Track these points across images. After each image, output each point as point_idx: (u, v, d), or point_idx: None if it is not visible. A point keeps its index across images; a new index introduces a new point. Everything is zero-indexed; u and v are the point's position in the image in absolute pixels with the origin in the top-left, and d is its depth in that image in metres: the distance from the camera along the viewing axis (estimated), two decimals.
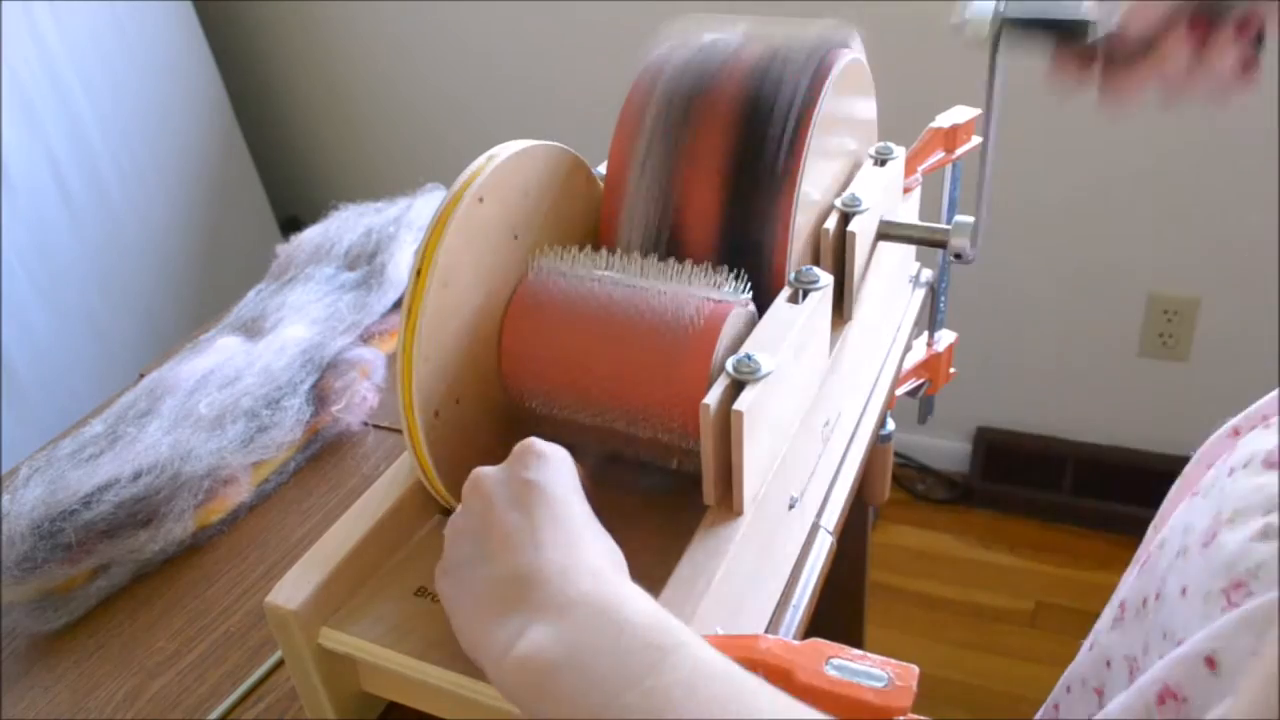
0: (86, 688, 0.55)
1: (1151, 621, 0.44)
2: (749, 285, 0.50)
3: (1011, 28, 0.52)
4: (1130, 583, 0.49)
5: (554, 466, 0.43)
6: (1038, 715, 0.56)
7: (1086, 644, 0.51)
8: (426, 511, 0.52)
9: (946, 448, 1.87)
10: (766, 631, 0.51)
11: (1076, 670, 0.52)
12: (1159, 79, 0.52)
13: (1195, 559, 0.42)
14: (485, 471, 0.43)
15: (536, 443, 0.43)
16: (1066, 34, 0.50)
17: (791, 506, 0.53)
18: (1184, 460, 0.53)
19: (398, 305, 0.80)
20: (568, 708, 0.35)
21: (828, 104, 0.53)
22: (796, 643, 0.38)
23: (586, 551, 0.40)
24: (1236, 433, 0.50)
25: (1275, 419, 0.45)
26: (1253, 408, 0.49)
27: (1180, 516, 0.47)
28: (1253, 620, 0.36)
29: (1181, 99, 0.53)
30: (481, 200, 0.48)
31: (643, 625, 0.36)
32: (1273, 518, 0.38)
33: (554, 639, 0.36)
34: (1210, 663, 0.36)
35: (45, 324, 1.56)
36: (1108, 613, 0.50)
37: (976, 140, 0.71)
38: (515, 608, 0.38)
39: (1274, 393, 0.48)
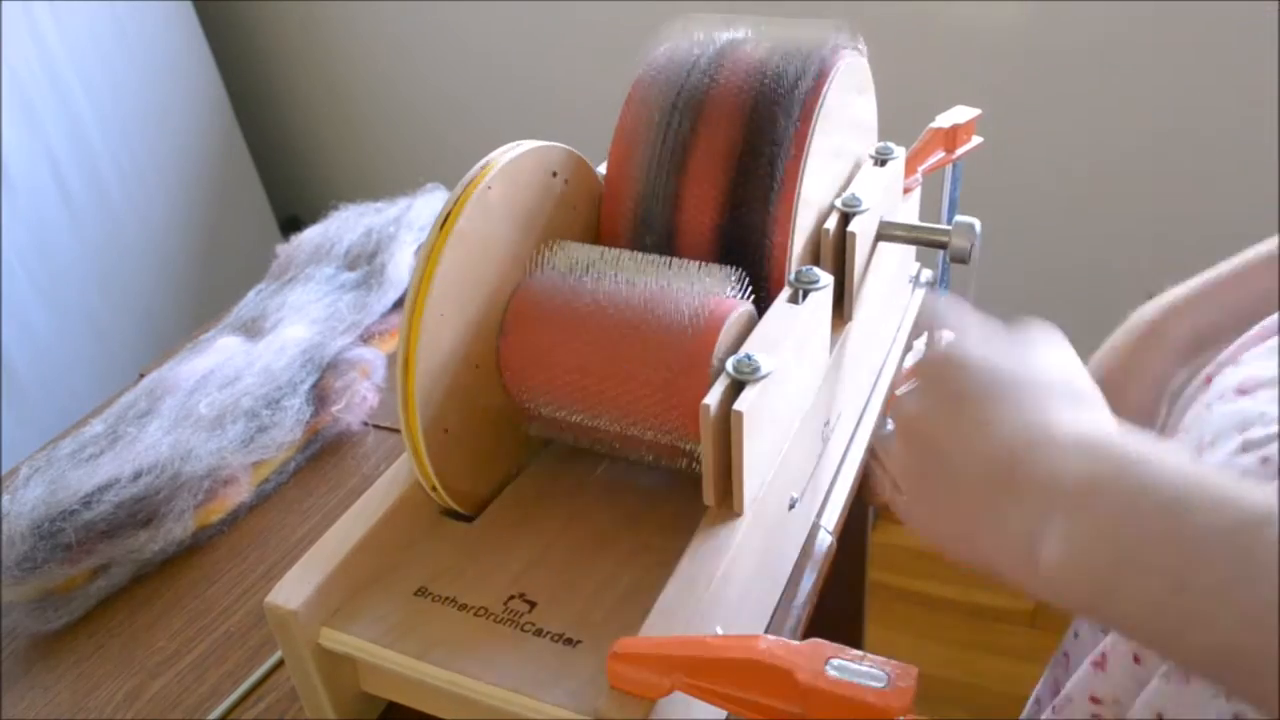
0: (86, 688, 0.55)
1: None
2: (749, 285, 0.50)
3: None
4: None
5: (974, 363, 0.41)
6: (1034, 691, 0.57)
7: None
8: (426, 511, 0.52)
9: None
10: (766, 631, 0.51)
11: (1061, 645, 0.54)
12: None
13: None
14: (909, 404, 0.41)
15: (935, 353, 0.42)
16: None
17: (791, 506, 0.53)
18: None
19: (398, 305, 0.80)
20: (1136, 611, 0.33)
21: (828, 104, 0.53)
22: (796, 643, 0.38)
23: (1054, 417, 0.37)
24: (1209, 380, 0.52)
25: (1242, 359, 0.49)
26: (1222, 355, 0.51)
27: None
28: None
29: None
30: (484, 201, 0.48)
31: (1197, 493, 0.32)
32: (1249, 433, 0.42)
33: (1079, 537, 0.34)
34: None
35: (45, 324, 1.56)
36: None
37: (977, 140, 0.71)
38: (1010, 513, 0.36)
39: (1240, 339, 0.51)
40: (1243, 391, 0.46)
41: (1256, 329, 0.51)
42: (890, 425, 0.44)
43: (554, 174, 0.53)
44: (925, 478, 0.41)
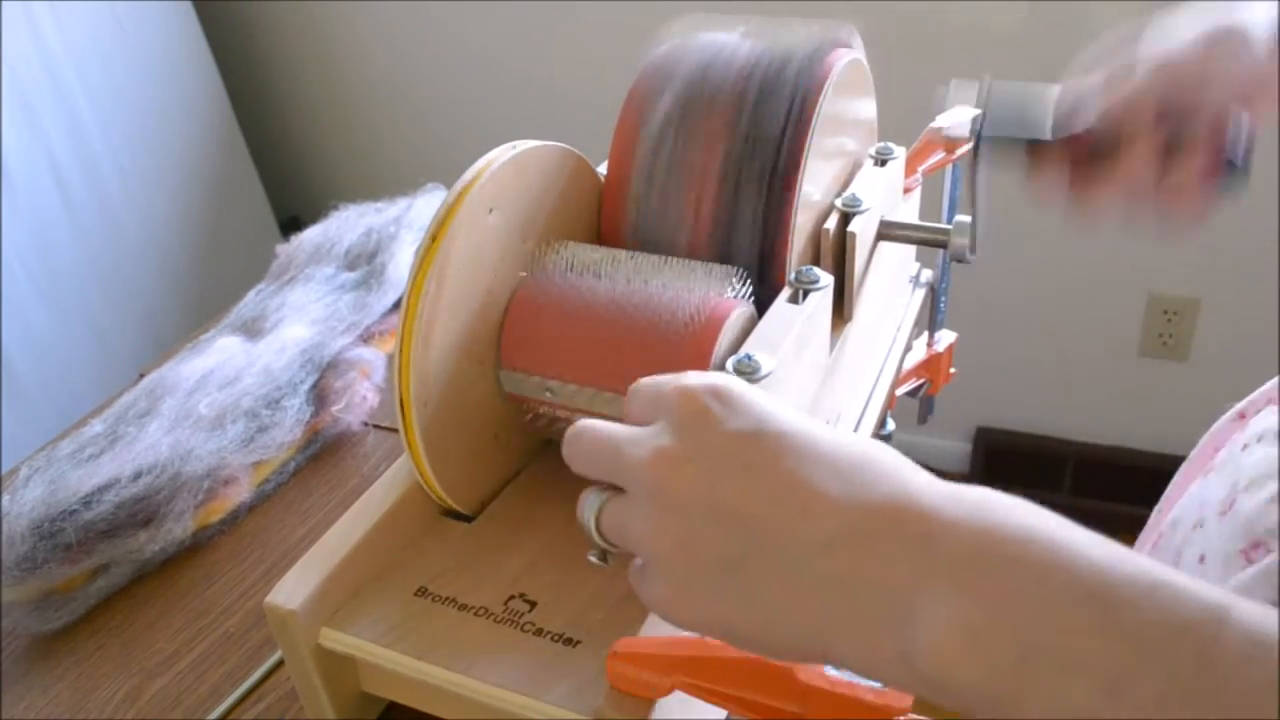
0: (86, 688, 0.55)
1: None
2: (749, 285, 0.50)
3: (987, 146, 0.54)
4: None
5: (749, 398, 0.32)
6: None
7: None
8: (426, 511, 0.52)
9: (947, 448, 1.87)
10: None
11: None
12: (1127, 187, 0.52)
13: (1213, 527, 0.42)
14: (655, 450, 0.32)
15: (691, 383, 0.33)
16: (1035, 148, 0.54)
17: None
18: (1184, 460, 0.54)
19: (398, 305, 0.80)
20: (1054, 708, 0.25)
21: (828, 104, 0.53)
22: None
23: (896, 474, 0.30)
24: (1243, 416, 0.51)
25: None
26: (1257, 393, 0.50)
27: (1194, 493, 0.48)
28: (1272, 573, 0.37)
29: (1148, 214, 0.53)
30: (483, 201, 0.48)
31: (1119, 573, 0.26)
32: None
33: (974, 616, 0.26)
34: None
35: (45, 324, 1.56)
36: None
37: None
38: (869, 584, 0.28)
39: (1276, 378, 0.49)
40: None
41: None
42: (605, 490, 0.35)
43: (554, 173, 0.53)
44: (716, 557, 0.31)
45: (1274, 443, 0.43)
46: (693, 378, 0.33)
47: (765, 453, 0.30)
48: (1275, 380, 0.49)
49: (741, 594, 0.31)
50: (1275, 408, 0.47)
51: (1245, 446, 0.45)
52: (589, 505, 0.35)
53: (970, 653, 0.26)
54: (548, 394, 0.51)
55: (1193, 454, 0.54)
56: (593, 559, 0.37)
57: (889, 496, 0.29)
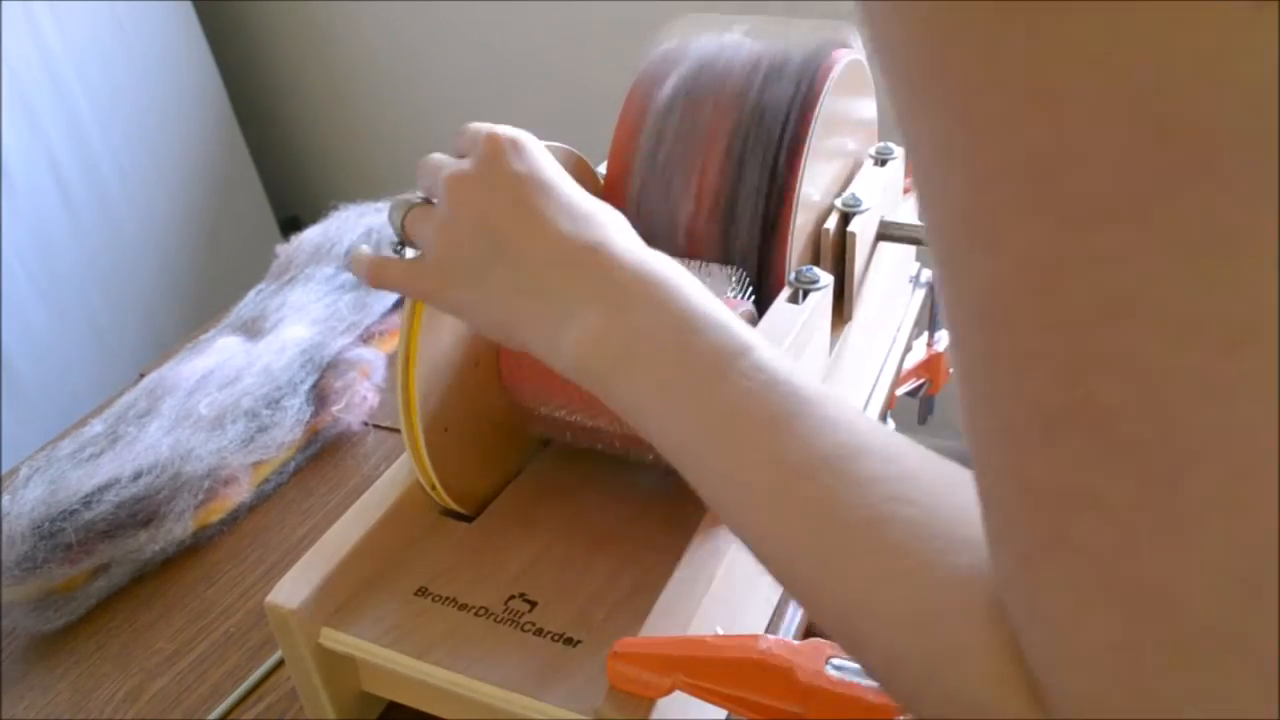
0: (86, 688, 0.55)
1: None
2: (749, 285, 0.50)
3: None
4: None
5: (534, 153, 0.42)
6: None
7: None
8: (426, 511, 0.52)
9: (947, 448, 1.87)
10: (766, 631, 0.51)
11: None
12: None
13: None
14: (459, 173, 0.41)
15: (500, 131, 0.42)
16: None
17: None
18: None
19: (398, 305, 0.80)
20: (628, 397, 0.36)
21: (828, 104, 0.53)
22: (797, 642, 0.38)
23: (608, 230, 0.39)
24: None
25: None
26: None
27: None
28: None
29: None
30: None
31: (703, 319, 0.36)
32: None
33: (610, 326, 0.37)
34: None
35: (45, 324, 1.56)
36: None
37: None
38: (562, 292, 0.38)
39: None
40: None
41: None
42: (419, 197, 0.45)
43: None
44: (474, 255, 0.40)
45: None
46: (502, 128, 0.42)
47: (528, 190, 0.40)
48: None
49: (482, 287, 0.40)
50: None
51: None
52: (398, 205, 0.44)
53: (594, 347, 0.37)
54: (548, 394, 0.51)
55: None
56: (394, 250, 0.45)
57: (597, 241, 0.39)
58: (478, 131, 0.43)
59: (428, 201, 0.44)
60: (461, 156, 0.43)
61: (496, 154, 0.41)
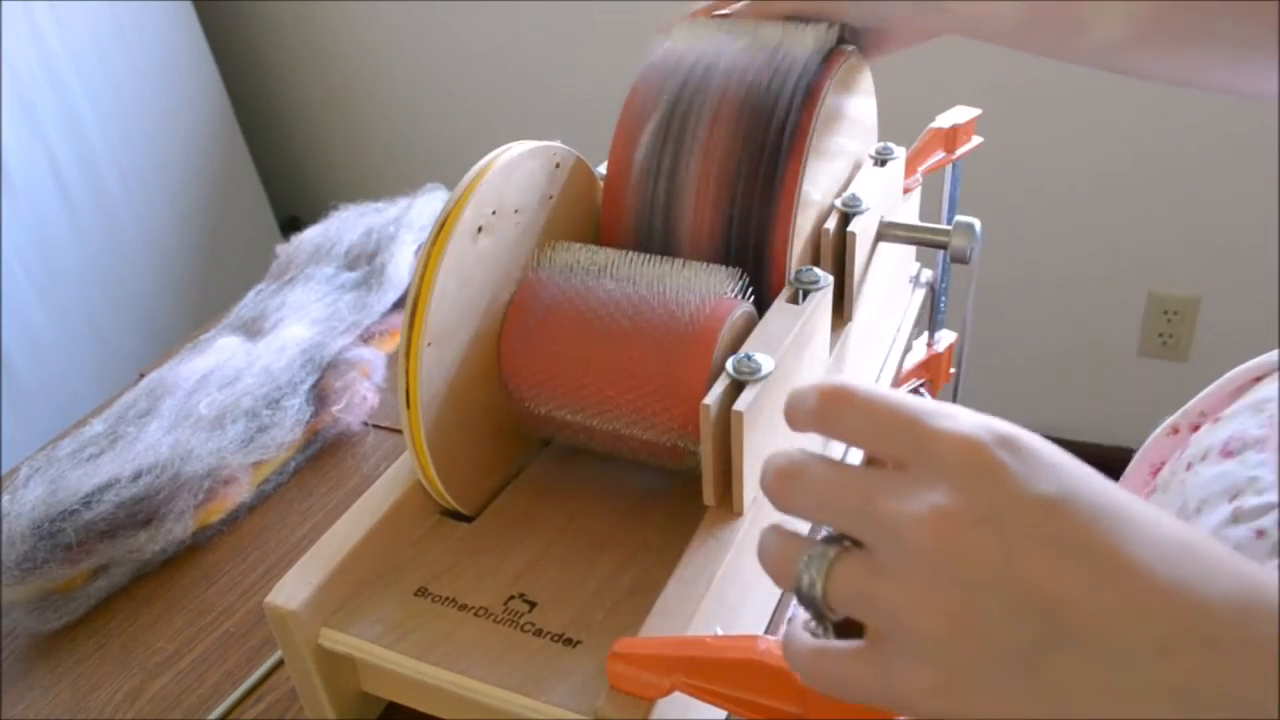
0: (86, 688, 0.55)
1: None
2: (749, 285, 0.50)
3: None
4: None
5: (1049, 455, 0.27)
6: None
7: None
8: (426, 511, 0.52)
9: None
10: (766, 632, 0.51)
11: None
12: None
13: None
14: (939, 510, 0.26)
15: (969, 430, 0.27)
16: None
17: None
18: None
19: (398, 305, 0.80)
20: None
21: (828, 104, 0.53)
22: None
23: (1237, 566, 0.25)
24: (1176, 430, 0.50)
25: (1221, 415, 0.46)
26: (1189, 405, 0.49)
27: None
28: None
29: None
30: (484, 203, 0.48)
31: None
32: (1240, 501, 0.38)
33: None
34: None
35: (45, 324, 1.56)
36: None
37: (977, 140, 0.71)
38: (1209, 689, 0.24)
39: (1209, 388, 0.49)
40: (1228, 453, 0.41)
41: (1226, 378, 0.47)
42: (831, 537, 0.29)
43: (553, 174, 0.53)
44: (1005, 644, 0.26)
45: (1218, 461, 0.42)
46: (972, 422, 0.27)
47: (1080, 526, 0.25)
48: (1206, 392, 0.48)
49: (1036, 693, 0.25)
50: (1211, 425, 0.46)
51: (1189, 466, 0.44)
52: (813, 560, 0.29)
53: None
54: (549, 394, 0.51)
55: (1128, 471, 0.53)
56: (811, 628, 0.30)
57: (1235, 591, 0.24)
58: (919, 426, 0.28)
59: (844, 545, 0.29)
60: (881, 460, 0.29)
61: (990, 470, 0.26)
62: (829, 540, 0.29)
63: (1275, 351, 0.47)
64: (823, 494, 0.29)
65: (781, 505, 0.30)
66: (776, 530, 0.31)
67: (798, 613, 0.31)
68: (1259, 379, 0.47)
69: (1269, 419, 0.42)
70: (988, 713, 0.26)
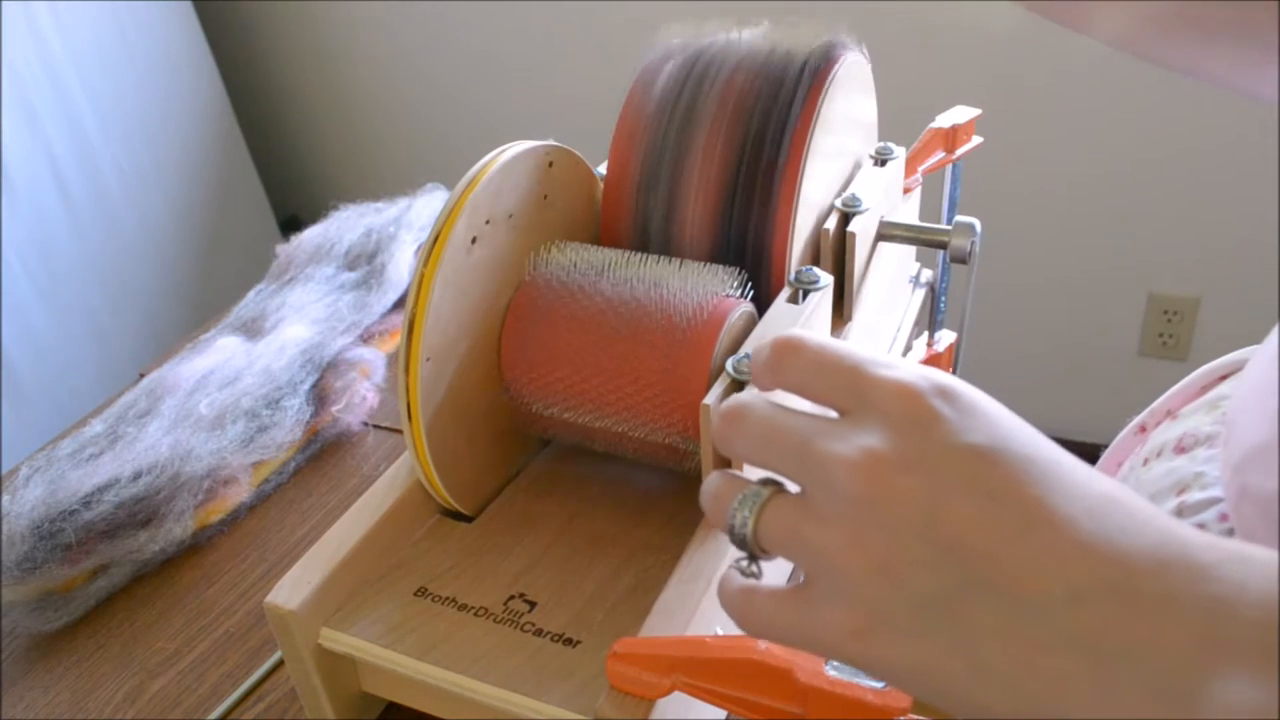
0: (86, 688, 0.55)
1: None
2: (749, 285, 0.50)
3: None
4: None
5: (983, 405, 0.28)
6: None
7: None
8: (426, 511, 0.52)
9: None
10: None
11: None
12: None
13: None
14: (866, 452, 0.27)
15: (907, 378, 0.28)
16: None
17: None
18: None
19: (398, 305, 0.80)
20: None
21: (828, 104, 0.53)
22: None
23: (1161, 522, 0.25)
24: (1143, 429, 0.50)
25: (1180, 412, 0.46)
26: (1156, 403, 0.50)
27: None
28: None
29: None
30: (483, 203, 0.48)
31: None
32: (1185, 496, 0.39)
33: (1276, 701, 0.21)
34: None
35: (45, 324, 1.56)
36: None
37: (977, 140, 0.71)
38: (1123, 644, 0.23)
39: (1175, 387, 0.49)
40: (1181, 449, 0.42)
41: (1193, 376, 0.48)
42: (764, 482, 0.30)
43: (547, 173, 0.53)
44: (925, 588, 0.26)
45: (1171, 458, 0.42)
46: (912, 371, 0.28)
47: (1006, 476, 0.25)
48: (1172, 391, 0.49)
49: (951, 638, 0.25)
50: (1169, 421, 0.46)
51: (1146, 461, 0.45)
52: (747, 499, 0.30)
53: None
54: (548, 394, 0.51)
55: (1096, 467, 0.54)
56: (742, 567, 0.31)
57: (1155, 546, 0.24)
58: (859, 374, 0.28)
59: (779, 487, 0.30)
60: (823, 406, 0.29)
61: (924, 417, 0.27)
62: (765, 482, 0.30)
63: (1240, 351, 0.47)
64: (764, 435, 0.29)
65: (724, 447, 0.31)
66: (721, 473, 0.31)
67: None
68: (1224, 378, 0.47)
69: (1223, 416, 0.42)
70: (903, 658, 0.26)
